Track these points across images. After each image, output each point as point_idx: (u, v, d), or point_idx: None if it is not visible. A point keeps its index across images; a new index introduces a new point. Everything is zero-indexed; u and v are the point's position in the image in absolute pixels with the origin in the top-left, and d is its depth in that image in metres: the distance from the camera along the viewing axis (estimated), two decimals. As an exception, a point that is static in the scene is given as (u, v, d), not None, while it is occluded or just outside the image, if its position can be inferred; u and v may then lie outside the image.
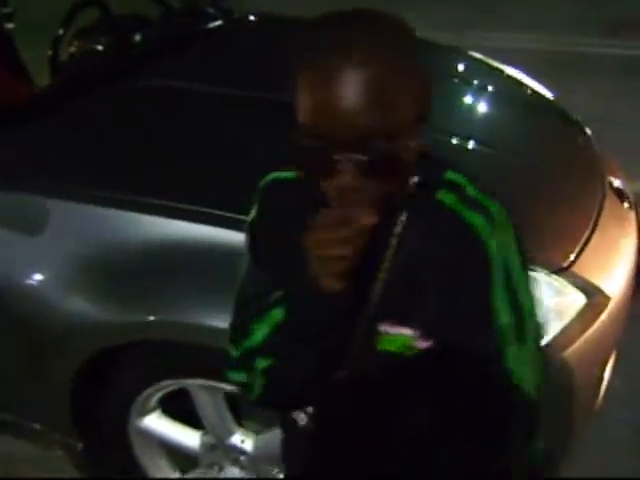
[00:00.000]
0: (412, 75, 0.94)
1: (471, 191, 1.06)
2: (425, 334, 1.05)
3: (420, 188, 1.04)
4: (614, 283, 1.97)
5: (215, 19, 3.00)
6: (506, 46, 5.31)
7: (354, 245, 0.91)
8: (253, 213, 1.19)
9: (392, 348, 1.06)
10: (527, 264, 1.09)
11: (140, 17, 3.10)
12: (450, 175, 1.07)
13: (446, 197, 1.05)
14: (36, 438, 2.13)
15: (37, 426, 2.05)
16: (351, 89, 0.89)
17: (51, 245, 1.87)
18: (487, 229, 1.03)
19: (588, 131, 2.68)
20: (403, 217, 1.05)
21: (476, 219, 1.03)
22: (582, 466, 2.09)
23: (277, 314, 1.04)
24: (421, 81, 0.96)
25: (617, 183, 2.38)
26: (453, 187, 1.06)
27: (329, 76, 0.90)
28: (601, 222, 2.09)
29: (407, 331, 1.05)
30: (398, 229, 1.05)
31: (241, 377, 1.13)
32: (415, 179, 1.03)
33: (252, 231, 1.19)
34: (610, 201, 2.23)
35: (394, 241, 1.05)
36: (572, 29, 6.77)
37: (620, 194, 2.33)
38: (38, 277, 1.86)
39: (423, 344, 1.05)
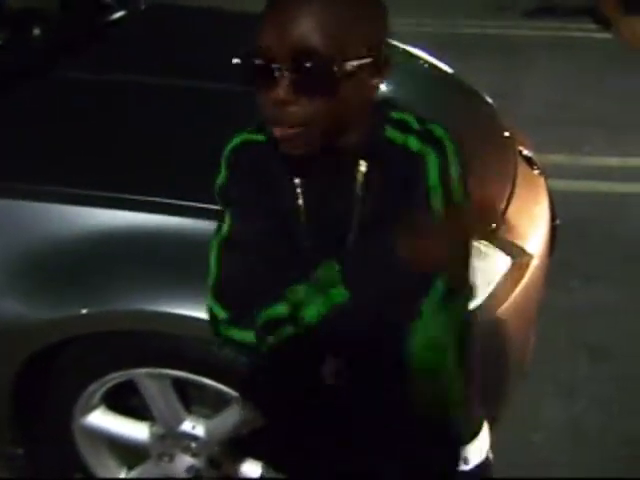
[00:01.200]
0: (361, 11, 1.03)
1: (415, 124, 1.13)
2: None
3: (370, 132, 1.11)
4: (533, 244, 2.08)
5: (115, 10, 2.95)
6: (393, 30, 5.44)
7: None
8: (222, 177, 1.21)
9: None
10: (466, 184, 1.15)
11: (35, 10, 3.00)
12: (395, 115, 1.15)
13: (393, 134, 1.12)
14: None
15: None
16: (292, 10, 1.00)
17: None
18: (432, 155, 1.10)
19: (491, 102, 2.81)
20: (362, 162, 1.11)
21: (423, 148, 1.10)
22: (506, 423, 2.19)
23: (338, 296, 1.08)
24: (373, 22, 1.06)
25: (525, 151, 2.51)
26: (399, 124, 1.13)
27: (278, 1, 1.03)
28: (516, 188, 2.20)
29: None
30: (359, 177, 1.11)
31: (246, 337, 1.15)
32: (366, 126, 1.11)
33: (224, 195, 1.21)
34: (522, 168, 2.35)
35: (360, 190, 1.11)
36: (457, 12, 7.02)
37: (529, 161, 2.46)
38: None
39: None
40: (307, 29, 0.99)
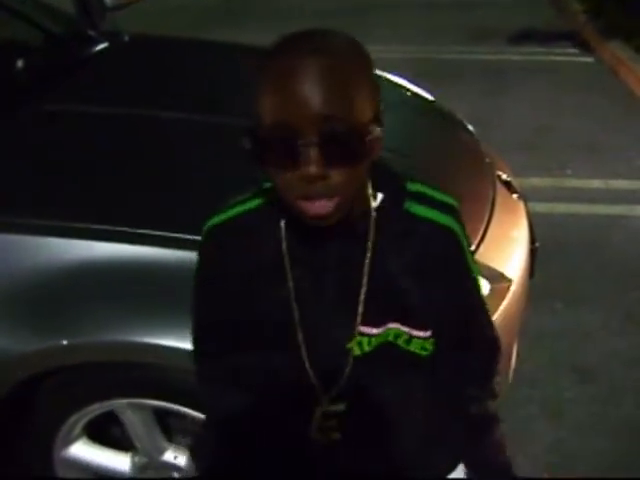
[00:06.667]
0: (366, 75, 1.00)
1: (435, 195, 1.15)
2: (419, 326, 1.15)
3: (387, 201, 1.11)
4: (512, 268, 2.09)
5: (99, 42, 2.98)
6: (380, 57, 5.54)
7: None
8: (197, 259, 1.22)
9: (381, 340, 1.14)
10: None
11: (19, 43, 3.02)
12: (411, 187, 1.15)
13: (416, 208, 1.12)
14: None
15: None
16: (309, 77, 0.94)
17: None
18: (458, 227, 1.14)
19: (471, 128, 2.84)
20: (373, 226, 1.10)
21: (449, 221, 1.13)
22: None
23: None
24: (374, 84, 1.02)
25: (504, 176, 2.53)
26: (419, 197, 1.13)
27: (291, 68, 0.95)
28: (495, 213, 2.22)
29: (393, 325, 1.14)
30: (370, 240, 1.10)
31: None
32: (380, 196, 1.11)
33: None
34: (501, 193, 2.37)
35: (369, 250, 1.10)
36: (440, 38, 7.11)
37: (508, 186, 2.48)
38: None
39: (421, 333, 1.15)
40: (334, 99, 0.94)
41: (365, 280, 1.10)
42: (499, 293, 1.97)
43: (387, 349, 1.14)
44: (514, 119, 5.17)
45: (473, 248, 1.99)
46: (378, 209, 1.10)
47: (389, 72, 3.18)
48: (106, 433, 1.96)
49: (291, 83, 0.94)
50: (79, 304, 1.77)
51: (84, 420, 1.88)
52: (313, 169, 0.95)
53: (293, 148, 0.95)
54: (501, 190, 2.40)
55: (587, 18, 7.40)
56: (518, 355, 2.27)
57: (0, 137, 2.16)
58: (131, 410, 1.84)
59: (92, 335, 1.74)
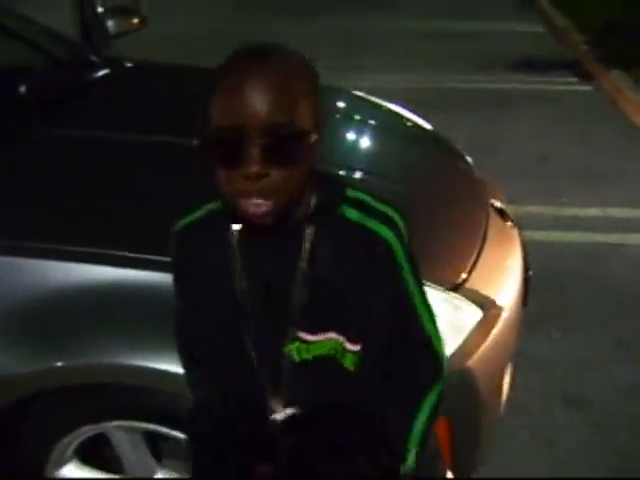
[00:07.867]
0: (309, 87, 1.09)
1: (374, 204, 1.19)
2: (353, 338, 1.17)
3: (323, 206, 1.16)
4: (505, 295, 2.10)
5: (101, 68, 3.02)
6: (382, 86, 5.61)
7: None
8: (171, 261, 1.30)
9: (322, 352, 1.18)
10: (418, 267, 1.24)
11: (22, 67, 3.06)
12: (350, 193, 1.19)
13: (351, 213, 1.17)
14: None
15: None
16: (256, 87, 1.03)
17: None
18: (393, 237, 1.16)
19: (468, 158, 2.87)
20: (310, 231, 1.15)
21: (382, 229, 1.16)
22: (485, 473, 2.18)
23: None
24: (317, 96, 1.11)
25: (499, 204, 2.55)
26: (356, 203, 1.18)
27: (240, 77, 1.05)
28: (488, 240, 2.24)
29: (333, 335, 1.17)
30: (307, 244, 1.15)
31: None
32: (314, 198, 1.16)
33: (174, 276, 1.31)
34: (494, 221, 2.39)
35: (305, 255, 1.15)
36: (442, 68, 7.17)
37: (502, 214, 2.50)
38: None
39: (354, 347, 1.18)
40: (277, 107, 1.03)
41: (301, 284, 1.16)
42: (490, 320, 1.98)
43: (325, 362, 1.18)
44: (513, 147, 5.20)
45: (464, 276, 2.02)
46: (314, 214, 1.16)
47: (389, 101, 3.22)
48: (97, 455, 1.97)
49: (240, 92, 1.03)
50: (75, 326, 1.79)
51: (76, 442, 1.88)
52: (254, 168, 1.03)
53: (238, 148, 1.04)
54: (494, 218, 2.42)
55: (588, 48, 7.46)
56: (513, 382, 2.27)
57: (1, 161, 2.18)
58: (121, 432, 1.85)
59: (87, 357, 1.76)
